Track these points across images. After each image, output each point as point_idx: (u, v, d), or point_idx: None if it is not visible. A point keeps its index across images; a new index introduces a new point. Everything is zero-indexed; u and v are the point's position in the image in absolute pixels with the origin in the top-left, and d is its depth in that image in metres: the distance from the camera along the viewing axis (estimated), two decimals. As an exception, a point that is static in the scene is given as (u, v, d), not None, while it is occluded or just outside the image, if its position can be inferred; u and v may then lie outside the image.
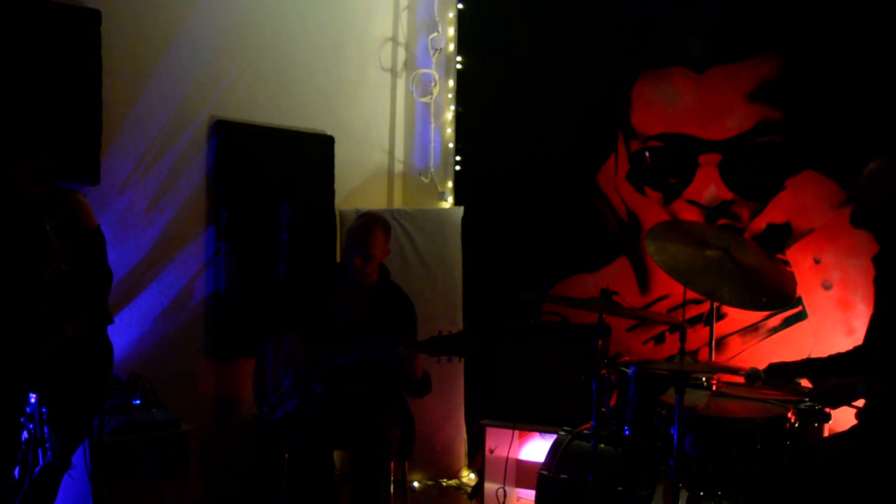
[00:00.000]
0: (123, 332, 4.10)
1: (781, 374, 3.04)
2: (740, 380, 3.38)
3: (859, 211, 2.87)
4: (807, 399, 3.17)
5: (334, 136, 4.88)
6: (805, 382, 3.05)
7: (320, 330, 3.67)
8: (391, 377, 3.61)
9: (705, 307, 4.14)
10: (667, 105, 4.36)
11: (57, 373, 3.13)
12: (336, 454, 4.52)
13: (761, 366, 3.13)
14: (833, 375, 2.94)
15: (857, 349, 2.99)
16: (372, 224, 3.71)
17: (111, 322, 3.33)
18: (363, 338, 3.56)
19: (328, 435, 3.57)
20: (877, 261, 2.90)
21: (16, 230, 3.13)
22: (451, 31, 5.18)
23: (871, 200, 2.81)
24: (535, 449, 4.19)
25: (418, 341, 3.44)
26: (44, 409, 3.34)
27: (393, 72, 5.27)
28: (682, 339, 2.90)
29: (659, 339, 4.38)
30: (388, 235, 3.77)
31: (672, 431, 2.86)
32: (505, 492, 4.12)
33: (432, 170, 5.20)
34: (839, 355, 3.03)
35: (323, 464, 3.56)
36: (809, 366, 3.06)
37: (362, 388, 3.64)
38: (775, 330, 4.03)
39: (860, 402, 2.80)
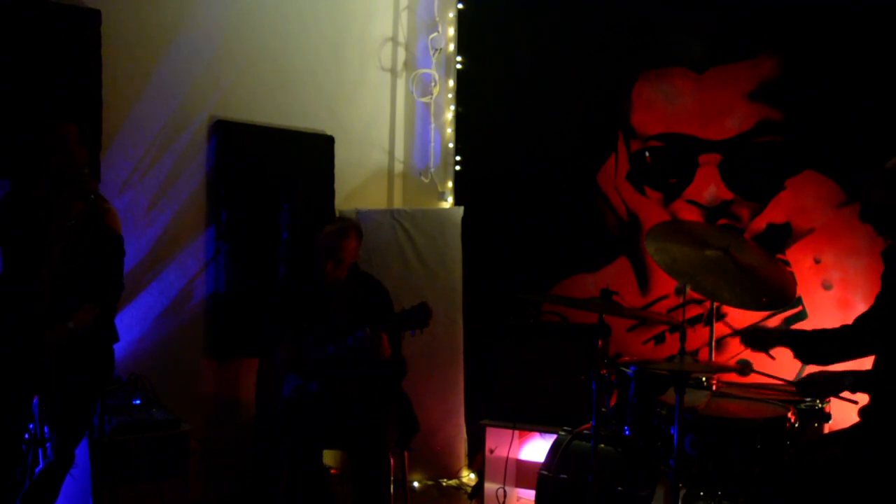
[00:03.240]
0: (123, 332, 4.06)
1: (761, 339, 3.05)
2: (741, 379, 3.39)
3: (867, 209, 2.87)
4: (805, 398, 3.18)
5: (334, 136, 4.88)
6: (784, 350, 3.05)
7: (319, 331, 3.69)
8: (376, 367, 3.65)
9: (705, 307, 4.14)
10: (667, 105, 4.36)
11: (57, 372, 3.13)
12: (336, 454, 4.54)
13: (762, 366, 3.14)
14: (816, 350, 2.95)
15: (844, 328, 2.96)
16: (347, 230, 3.78)
17: (116, 340, 3.34)
18: (342, 332, 3.62)
19: (327, 435, 3.58)
20: (885, 256, 2.89)
21: (16, 230, 3.12)
22: (451, 31, 5.18)
23: (875, 200, 2.81)
24: (535, 449, 4.19)
25: (380, 322, 3.53)
26: (43, 408, 3.35)
27: (393, 72, 5.27)
28: (682, 339, 2.90)
29: (659, 339, 4.38)
30: (359, 241, 3.84)
31: (672, 431, 2.86)
32: (505, 492, 4.12)
33: (432, 170, 5.20)
34: (824, 331, 3.00)
35: (317, 463, 3.57)
36: (791, 336, 3.04)
37: (361, 389, 3.65)
38: (775, 330, 4.03)
39: (857, 400, 2.81)
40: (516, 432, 4.11)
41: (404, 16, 5.29)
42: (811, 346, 2.98)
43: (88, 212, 3.17)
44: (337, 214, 4.84)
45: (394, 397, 3.76)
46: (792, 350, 3.02)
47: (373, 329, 3.50)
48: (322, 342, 3.63)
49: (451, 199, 5.19)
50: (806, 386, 2.90)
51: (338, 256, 3.73)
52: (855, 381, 2.75)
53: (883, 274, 2.89)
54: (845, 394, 2.82)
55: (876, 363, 2.79)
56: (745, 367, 3.06)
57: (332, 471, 4.39)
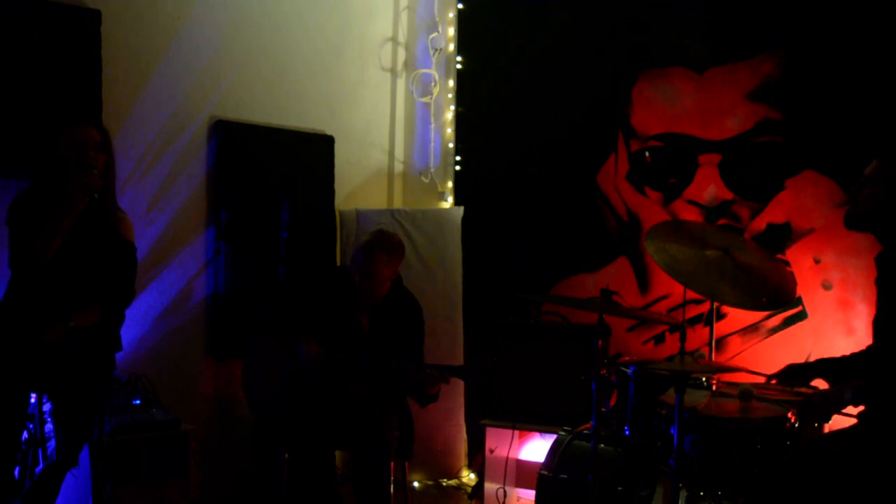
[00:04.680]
0: (123, 332, 4.04)
1: (798, 376, 3.03)
2: (740, 379, 3.39)
3: (852, 213, 2.89)
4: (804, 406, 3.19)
5: (334, 136, 4.88)
6: (822, 383, 3.05)
7: (329, 334, 3.68)
8: (398, 385, 3.63)
9: (705, 307, 4.14)
10: (667, 105, 4.36)
11: (61, 373, 3.13)
12: (336, 454, 4.54)
13: (761, 366, 3.14)
14: (849, 375, 2.93)
15: (870, 348, 2.98)
16: (375, 247, 3.68)
17: (119, 349, 3.34)
18: (375, 351, 3.59)
19: (328, 435, 3.57)
20: (879, 261, 2.90)
21: (26, 227, 3.11)
22: (451, 31, 5.18)
23: (864, 202, 2.82)
24: (535, 449, 4.19)
25: (452, 366, 3.56)
26: (45, 409, 3.34)
27: (393, 72, 5.27)
28: (682, 339, 2.90)
29: (659, 339, 4.38)
30: (393, 257, 3.72)
31: (672, 431, 2.86)
32: (505, 492, 4.12)
33: (432, 170, 5.20)
34: (854, 355, 3.01)
35: (323, 464, 3.57)
36: (824, 366, 3.03)
37: (360, 389, 3.65)
38: (775, 330, 4.03)
39: (853, 410, 2.81)
40: (516, 432, 4.10)
41: (404, 16, 5.29)
42: (845, 373, 2.97)
43: (92, 211, 3.15)
44: (337, 214, 4.85)
45: (393, 398, 3.76)
46: (828, 381, 3.01)
47: (443, 371, 3.50)
48: (346, 348, 3.61)
49: (451, 199, 5.19)
50: (808, 408, 2.89)
51: (368, 272, 3.67)
52: (855, 394, 2.74)
53: (876, 279, 2.90)
54: (849, 409, 2.81)
55: (874, 368, 2.79)
56: (747, 394, 3.05)
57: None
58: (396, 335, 3.69)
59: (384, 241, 3.73)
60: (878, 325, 2.85)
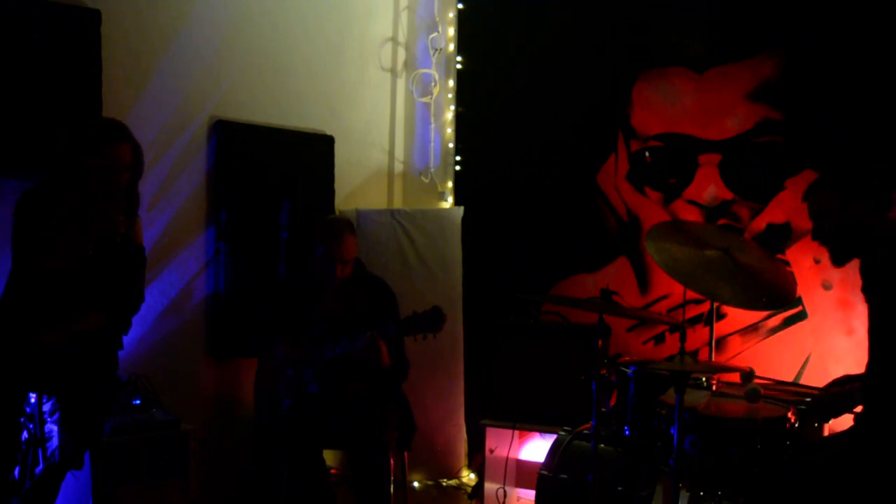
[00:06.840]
0: (123, 333, 4.10)
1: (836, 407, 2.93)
2: (740, 379, 3.39)
3: (835, 253, 2.92)
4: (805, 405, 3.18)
5: (334, 136, 4.88)
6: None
7: (314, 331, 3.69)
8: (380, 372, 3.63)
9: (705, 307, 4.14)
10: (667, 105, 4.36)
11: (65, 372, 3.12)
12: (336, 454, 4.55)
13: (761, 365, 3.13)
14: None
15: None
16: (344, 230, 3.77)
17: (120, 348, 3.34)
18: (345, 333, 3.61)
19: (327, 436, 3.58)
20: (862, 271, 2.90)
21: (28, 226, 3.10)
22: (451, 31, 5.18)
23: (830, 230, 2.86)
24: (535, 449, 4.19)
25: (388, 326, 3.51)
26: (45, 409, 3.34)
27: (393, 72, 5.27)
28: (682, 339, 2.90)
29: (659, 339, 4.38)
30: (354, 234, 3.85)
31: (672, 431, 2.86)
32: (505, 492, 4.12)
33: (432, 170, 5.20)
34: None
35: (316, 464, 3.58)
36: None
37: (360, 389, 3.66)
38: (775, 330, 4.03)
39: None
40: (516, 432, 4.11)
41: (404, 16, 5.29)
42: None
43: (105, 244, 3.12)
44: (337, 214, 4.84)
45: (393, 397, 3.76)
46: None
47: (379, 333, 3.49)
48: (323, 342, 3.63)
49: (451, 199, 5.19)
50: (816, 409, 2.88)
51: (346, 259, 3.76)
52: (861, 394, 2.73)
53: (861, 288, 2.89)
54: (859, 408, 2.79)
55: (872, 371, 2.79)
56: (754, 395, 3.04)
57: (333, 471, 4.39)
58: (366, 313, 3.70)
59: (346, 224, 3.83)
60: (873, 333, 2.84)
